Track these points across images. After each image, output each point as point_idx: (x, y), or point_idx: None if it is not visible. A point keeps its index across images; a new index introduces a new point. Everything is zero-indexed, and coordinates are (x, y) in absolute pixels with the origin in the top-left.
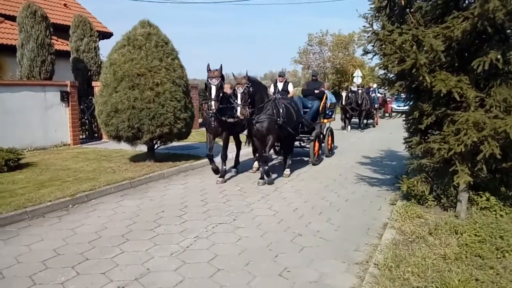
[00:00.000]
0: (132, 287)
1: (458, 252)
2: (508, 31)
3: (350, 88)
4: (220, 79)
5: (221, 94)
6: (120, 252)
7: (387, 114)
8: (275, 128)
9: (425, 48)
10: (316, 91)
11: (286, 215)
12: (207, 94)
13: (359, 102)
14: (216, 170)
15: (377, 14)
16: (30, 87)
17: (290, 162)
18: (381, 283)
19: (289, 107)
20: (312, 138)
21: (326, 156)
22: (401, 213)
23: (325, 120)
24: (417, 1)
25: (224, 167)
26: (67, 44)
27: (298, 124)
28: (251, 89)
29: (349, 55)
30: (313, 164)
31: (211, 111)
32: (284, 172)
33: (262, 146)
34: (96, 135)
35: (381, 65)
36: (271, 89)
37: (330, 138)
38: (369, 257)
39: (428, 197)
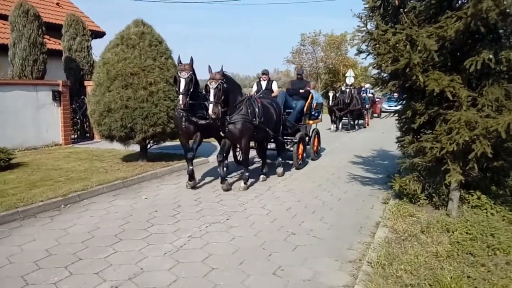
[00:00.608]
0: (126, 287)
1: (450, 250)
2: (501, 31)
3: (341, 89)
4: (191, 72)
5: (191, 89)
6: (113, 252)
7: (375, 115)
8: (249, 129)
9: (418, 48)
10: (301, 91)
11: (280, 214)
12: (176, 88)
13: (347, 101)
14: (191, 175)
15: (371, 14)
16: (22, 87)
17: (282, 160)
18: (374, 281)
19: (268, 107)
20: (296, 140)
21: (312, 159)
22: (394, 211)
23: (311, 122)
24: (411, 1)
25: (191, 168)
26: (60, 43)
27: (279, 125)
28: (225, 86)
29: (341, 55)
30: (297, 168)
31: (179, 108)
32: (277, 170)
33: (228, 148)
34: (88, 134)
35: (375, 65)
36: (254, 88)
37: (316, 140)
38: (362, 255)
39: (420, 196)
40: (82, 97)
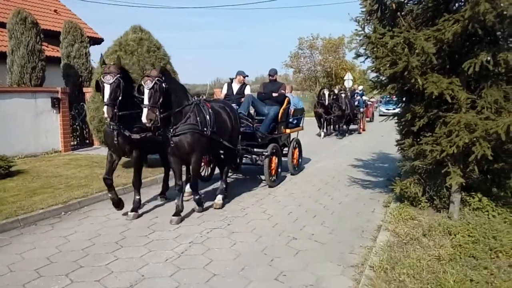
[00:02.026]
0: None
1: (452, 253)
2: (498, 33)
3: (323, 92)
4: (118, 75)
5: (120, 97)
6: (114, 259)
7: (367, 118)
8: (200, 142)
9: (416, 51)
10: (274, 94)
11: (281, 218)
12: (101, 96)
13: (325, 104)
14: (117, 202)
15: (368, 18)
16: (21, 94)
17: (225, 186)
18: (377, 285)
19: (220, 113)
20: (267, 153)
21: (292, 174)
22: (395, 215)
23: (288, 130)
24: (408, 4)
25: (138, 197)
26: (58, 50)
27: (236, 135)
28: (164, 86)
29: (339, 58)
30: (270, 186)
31: (107, 121)
32: (215, 200)
33: (179, 168)
34: (87, 141)
35: (373, 68)
36: (224, 91)
37: (296, 152)
38: (364, 259)
39: (421, 199)
40: (82, 103)
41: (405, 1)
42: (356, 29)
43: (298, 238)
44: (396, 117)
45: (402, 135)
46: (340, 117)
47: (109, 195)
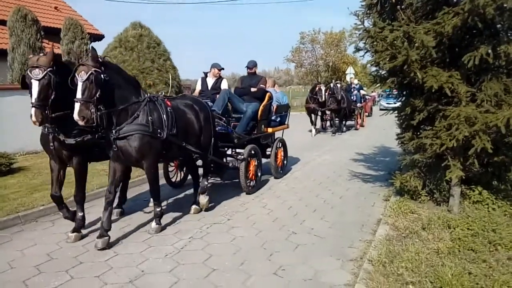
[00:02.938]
0: None
1: (451, 246)
2: (498, 25)
3: (319, 87)
4: (48, 69)
5: (53, 95)
6: (114, 254)
7: (366, 114)
8: (152, 146)
9: (416, 45)
10: (252, 89)
11: (281, 213)
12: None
13: (321, 100)
14: (72, 218)
15: (368, 11)
16: (22, 91)
17: (206, 183)
18: (375, 279)
19: (184, 111)
20: (243, 156)
21: (275, 178)
22: (395, 209)
23: (270, 129)
24: None
25: (81, 214)
26: (59, 47)
27: (208, 137)
28: (103, 77)
29: (341, 52)
30: (247, 193)
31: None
32: (198, 199)
33: (117, 177)
34: None
35: (373, 62)
36: (198, 87)
37: (280, 153)
38: (363, 253)
39: (421, 192)
40: None
41: None
42: (355, 23)
43: (297, 233)
44: (396, 111)
45: (402, 129)
46: (336, 111)
47: (60, 213)
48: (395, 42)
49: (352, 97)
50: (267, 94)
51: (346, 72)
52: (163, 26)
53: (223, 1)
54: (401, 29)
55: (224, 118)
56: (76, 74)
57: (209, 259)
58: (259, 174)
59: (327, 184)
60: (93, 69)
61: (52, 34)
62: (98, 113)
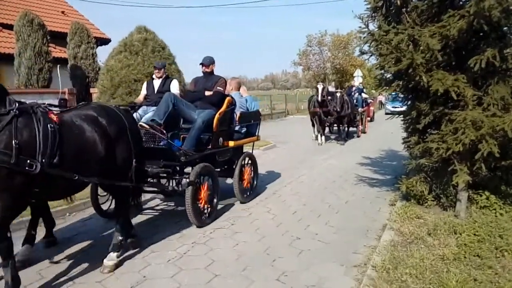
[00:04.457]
0: None
1: (457, 252)
2: (505, 28)
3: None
4: None
5: None
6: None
7: (368, 119)
8: (8, 183)
9: (421, 48)
10: (207, 93)
11: (285, 218)
12: None
13: (319, 100)
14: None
15: (373, 14)
16: (28, 96)
17: (121, 238)
18: (379, 286)
19: (82, 129)
20: (190, 178)
21: (241, 202)
22: (400, 214)
23: (231, 143)
24: (413, 1)
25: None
26: (65, 51)
27: (127, 161)
28: None
29: (349, 54)
30: (198, 227)
31: None
32: (105, 261)
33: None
34: None
35: (378, 66)
36: (142, 91)
37: (247, 172)
38: (367, 259)
39: (427, 197)
40: None
41: None
42: (360, 27)
43: (301, 238)
44: (401, 115)
45: (408, 132)
46: (337, 119)
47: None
48: (400, 45)
49: (353, 101)
50: (227, 99)
51: (354, 75)
52: (168, 29)
53: (232, 4)
54: (406, 32)
55: (164, 131)
56: None
57: (212, 265)
58: (215, 200)
59: (333, 189)
60: None
61: (59, 38)
62: None
